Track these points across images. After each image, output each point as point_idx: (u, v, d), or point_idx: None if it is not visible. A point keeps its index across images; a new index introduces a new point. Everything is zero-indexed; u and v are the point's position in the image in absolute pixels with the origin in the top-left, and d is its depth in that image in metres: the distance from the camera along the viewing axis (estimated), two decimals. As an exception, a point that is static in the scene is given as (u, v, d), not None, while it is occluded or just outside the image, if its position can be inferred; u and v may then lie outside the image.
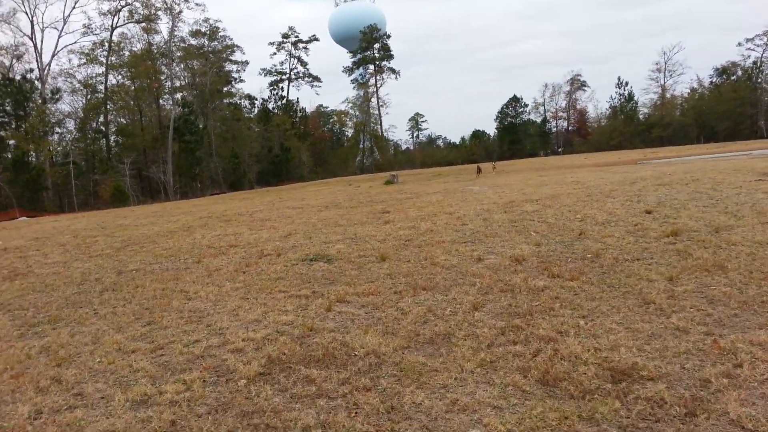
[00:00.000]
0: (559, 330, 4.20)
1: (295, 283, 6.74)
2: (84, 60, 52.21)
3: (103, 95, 54.44)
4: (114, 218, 23.31)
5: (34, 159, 48.29)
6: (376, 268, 7.23)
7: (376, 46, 79.08)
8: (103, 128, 55.30)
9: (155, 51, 55.93)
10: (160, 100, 56.89)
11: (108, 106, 55.81)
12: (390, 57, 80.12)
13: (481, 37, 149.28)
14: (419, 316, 4.95)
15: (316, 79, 77.51)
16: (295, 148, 70.98)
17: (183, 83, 63.07)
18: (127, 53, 55.45)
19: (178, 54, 59.03)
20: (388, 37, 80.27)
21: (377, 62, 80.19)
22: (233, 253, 9.44)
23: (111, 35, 53.43)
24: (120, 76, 56.93)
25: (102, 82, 53.84)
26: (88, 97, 53.10)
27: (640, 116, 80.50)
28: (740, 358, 3.57)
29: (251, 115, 74.18)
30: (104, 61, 52.90)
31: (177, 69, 60.64)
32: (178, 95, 59.42)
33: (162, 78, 55.00)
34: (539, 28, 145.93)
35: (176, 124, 50.68)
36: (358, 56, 79.97)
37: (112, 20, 53.33)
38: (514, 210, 11.41)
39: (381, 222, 11.67)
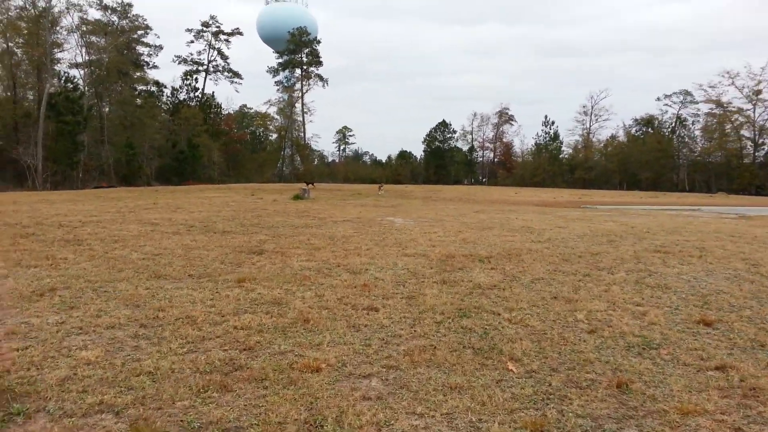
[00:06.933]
0: None
1: None
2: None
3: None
4: None
5: None
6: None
7: (305, 50, 74.14)
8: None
9: (36, 13, 47.24)
10: (44, 73, 48.32)
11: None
12: (319, 63, 75.36)
13: (420, 64, 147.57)
14: None
15: (237, 75, 71.21)
16: (205, 146, 64.06)
17: (80, 60, 54.75)
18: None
19: (70, 21, 50.69)
20: (318, 42, 75.54)
21: (305, 67, 75.19)
22: None
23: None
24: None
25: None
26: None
27: (562, 156, 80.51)
28: None
29: (159, 104, 66.56)
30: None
31: (70, 39, 52.32)
32: (63, 68, 50.81)
33: (46, 46, 46.65)
34: (479, 65, 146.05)
35: (53, 101, 42.52)
36: (285, 58, 74.65)
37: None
38: (458, 278, 6.87)
39: (234, 279, 6.76)
